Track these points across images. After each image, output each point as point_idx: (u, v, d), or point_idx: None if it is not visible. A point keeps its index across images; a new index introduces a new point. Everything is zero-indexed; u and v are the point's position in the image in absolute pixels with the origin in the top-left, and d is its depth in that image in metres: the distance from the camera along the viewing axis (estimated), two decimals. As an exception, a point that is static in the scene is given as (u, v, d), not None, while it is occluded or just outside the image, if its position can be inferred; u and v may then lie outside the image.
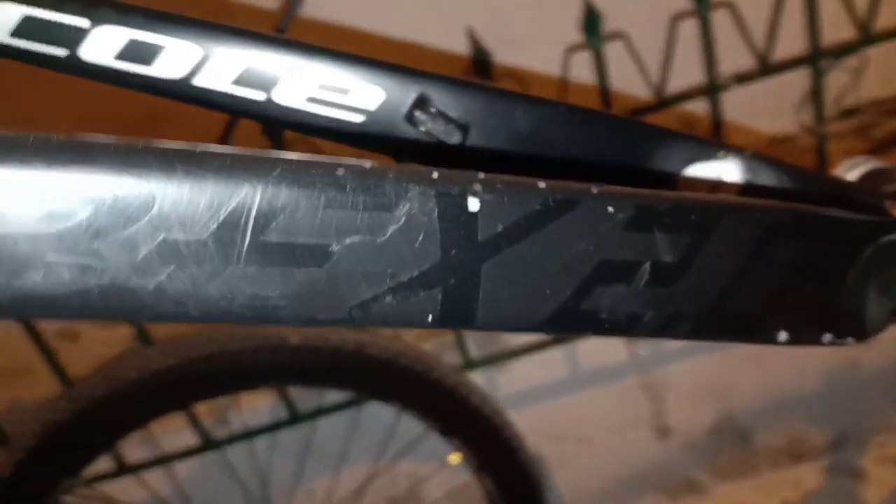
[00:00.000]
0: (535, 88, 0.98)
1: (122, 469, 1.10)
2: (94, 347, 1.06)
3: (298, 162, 0.23)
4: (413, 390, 0.99)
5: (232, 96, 0.43)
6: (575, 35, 0.96)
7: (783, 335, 0.36)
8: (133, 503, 1.05)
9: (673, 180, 0.49)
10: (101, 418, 0.93)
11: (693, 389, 1.21)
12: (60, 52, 0.41)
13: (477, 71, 0.97)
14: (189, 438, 1.11)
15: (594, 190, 0.29)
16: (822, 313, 0.38)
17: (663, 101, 1.02)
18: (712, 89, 1.02)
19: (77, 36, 0.41)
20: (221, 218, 0.22)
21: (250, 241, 0.22)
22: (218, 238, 0.22)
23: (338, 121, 0.44)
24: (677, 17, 0.97)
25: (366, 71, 0.44)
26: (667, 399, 1.21)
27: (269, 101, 0.44)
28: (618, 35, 0.99)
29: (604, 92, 0.99)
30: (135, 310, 0.21)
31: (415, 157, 0.46)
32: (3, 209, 0.19)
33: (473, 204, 0.26)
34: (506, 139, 0.47)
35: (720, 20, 0.95)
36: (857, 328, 0.40)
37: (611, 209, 0.29)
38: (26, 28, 0.40)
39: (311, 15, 0.90)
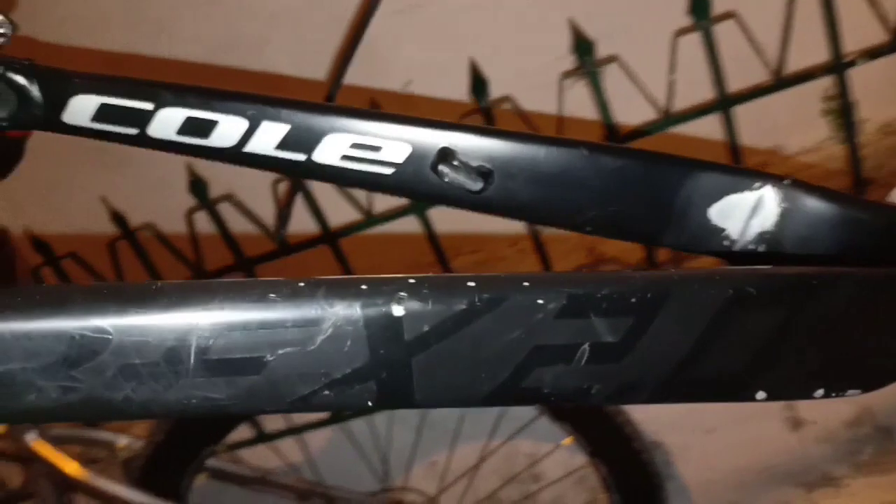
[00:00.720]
0: (644, 77, 0.97)
1: (260, 437, 1.24)
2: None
3: (235, 289, 0.28)
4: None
5: (278, 159, 0.49)
6: (683, 18, 0.94)
7: (761, 394, 0.37)
8: (268, 468, 1.18)
9: (705, 216, 0.49)
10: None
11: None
12: (132, 131, 0.49)
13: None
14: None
15: (524, 283, 0.31)
16: (813, 370, 0.38)
17: (782, 81, 0.97)
18: (838, 67, 0.96)
19: (144, 117, 0.49)
20: (169, 344, 0.27)
21: (195, 359, 0.28)
22: (168, 359, 0.28)
23: (370, 174, 0.49)
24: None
25: (393, 127, 0.48)
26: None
27: (310, 161, 0.49)
28: (728, 15, 0.96)
29: (717, 75, 0.96)
30: (109, 414, 0.28)
31: (443, 203, 0.50)
32: (3, 351, 0.26)
33: (398, 310, 0.30)
34: (530, 182, 0.49)
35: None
36: (864, 378, 0.39)
37: (541, 301, 0.31)
38: (103, 113, 0.49)
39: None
